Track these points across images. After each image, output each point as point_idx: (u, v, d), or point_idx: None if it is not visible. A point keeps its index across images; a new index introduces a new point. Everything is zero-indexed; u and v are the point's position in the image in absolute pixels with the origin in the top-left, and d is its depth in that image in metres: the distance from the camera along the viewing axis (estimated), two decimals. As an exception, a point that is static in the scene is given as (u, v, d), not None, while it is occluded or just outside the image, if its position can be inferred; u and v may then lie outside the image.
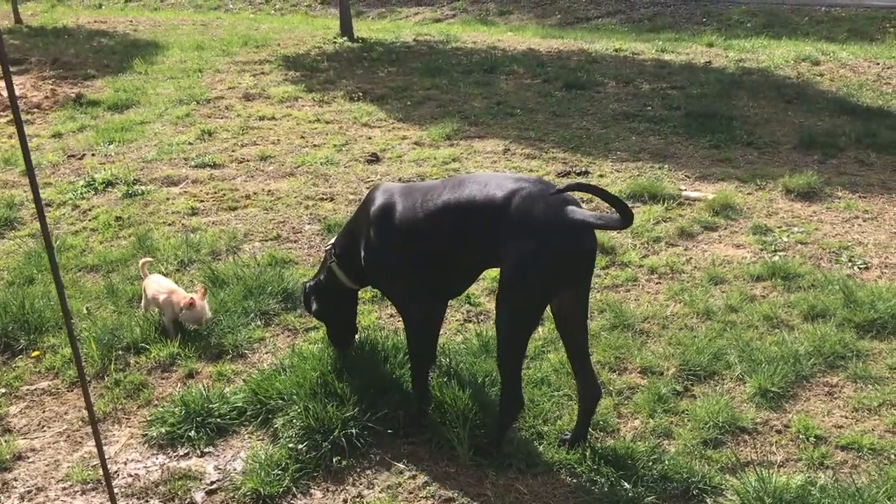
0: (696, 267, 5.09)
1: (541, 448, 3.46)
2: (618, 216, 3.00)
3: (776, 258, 5.12)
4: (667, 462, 3.31)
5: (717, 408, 3.62)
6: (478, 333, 4.22)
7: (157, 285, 4.42)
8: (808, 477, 3.21)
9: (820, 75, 10.00)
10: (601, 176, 6.65)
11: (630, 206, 5.85)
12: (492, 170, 6.78)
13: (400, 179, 6.53)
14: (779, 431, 3.56)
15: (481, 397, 3.67)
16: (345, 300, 3.90)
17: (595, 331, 4.29)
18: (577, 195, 3.27)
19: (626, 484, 3.21)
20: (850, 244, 5.33)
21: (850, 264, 5.06)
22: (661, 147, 7.43)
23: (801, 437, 3.50)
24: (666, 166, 6.84)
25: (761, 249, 5.30)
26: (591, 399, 3.43)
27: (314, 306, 3.90)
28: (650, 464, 3.31)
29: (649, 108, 8.68)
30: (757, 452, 3.41)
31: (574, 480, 3.29)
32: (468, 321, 4.52)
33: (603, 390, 3.80)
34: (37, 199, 2.45)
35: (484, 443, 3.44)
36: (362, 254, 3.58)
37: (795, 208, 5.95)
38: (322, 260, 3.99)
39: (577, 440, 3.44)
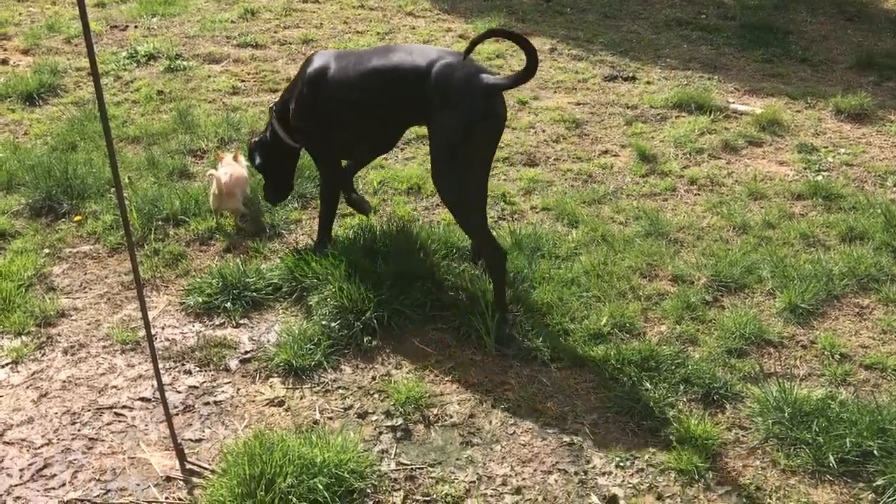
0: (736, 181, 5.02)
1: (566, 345, 3.52)
2: (522, 70, 3.34)
3: (819, 178, 5.04)
4: (690, 367, 3.36)
5: (744, 319, 3.64)
6: (511, 231, 4.24)
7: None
8: (830, 392, 3.25)
9: (886, -6, 9.56)
10: (648, 82, 6.50)
11: (675, 115, 5.81)
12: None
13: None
14: (804, 347, 3.58)
15: (510, 291, 3.72)
16: (285, 156, 4.12)
17: (629, 237, 4.30)
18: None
19: (647, 384, 3.28)
20: (897, 169, 5.22)
21: (894, 189, 4.96)
22: (712, 57, 7.21)
23: (826, 353, 3.52)
24: (715, 77, 6.67)
25: (805, 168, 5.20)
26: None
27: (257, 160, 4.13)
28: (673, 367, 3.36)
29: (703, 16, 8.39)
30: (781, 365, 3.45)
31: (597, 377, 3.36)
32: (502, 219, 4.53)
33: (632, 295, 3.84)
34: (95, 73, 2.46)
35: (502, 334, 3.52)
36: (292, 108, 3.83)
37: (844, 129, 5.81)
38: (268, 119, 4.15)
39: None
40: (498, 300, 3.56)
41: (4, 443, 2.99)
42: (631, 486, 2.87)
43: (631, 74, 6.62)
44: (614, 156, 5.32)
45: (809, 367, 3.46)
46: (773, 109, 5.92)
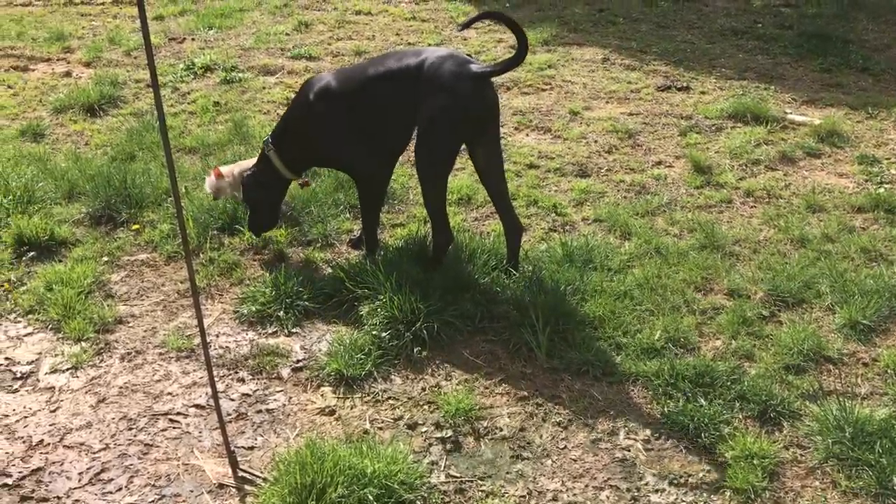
0: (794, 193, 4.91)
1: (619, 359, 3.48)
2: (512, 56, 3.62)
3: (881, 190, 4.90)
4: (746, 383, 3.29)
5: (802, 335, 3.55)
6: (562, 243, 4.21)
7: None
8: (893, 411, 3.14)
9: (951, 0, 9.28)
10: (703, 92, 6.41)
11: (731, 126, 5.72)
12: (589, 80, 6.61)
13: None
14: (865, 364, 3.48)
15: (562, 304, 3.69)
16: (276, 189, 4.18)
17: (683, 250, 4.23)
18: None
19: (702, 400, 3.21)
20: (963, 182, 5.05)
21: (961, 202, 4.80)
22: (769, 67, 7.08)
23: (888, 371, 3.41)
24: (772, 87, 6.54)
25: (866, 180, 5.07)
26: (514, 234, 4.00)
27: (249, 193, 4.15)
28: (729, 383, 3.29)
29: (760, 25, 8.25)
30: (841, 382, 3.35)
31: (650, 392, 3.31)
32: (553, 230, 4.51)
33: (686, 309, 3.78)
34: (155, 85, 2.51)
35: (427, 265, 3.88)
36: (310, 135, 3.96)
37: (908, 140, 5.65)
38: (260, 152, 4.18)
39: (511, 267, 3.96)
40: (432, 263, 3.90)
41: (65, 446, 3.06)
42: (685, 503, 2.82)
43: (685, 84, 6.54)
44: (668, 167, 5.26)
45: (871, 386, 3.35)
46: (832, 120, 5.78)
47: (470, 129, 3.76)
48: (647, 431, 3.13)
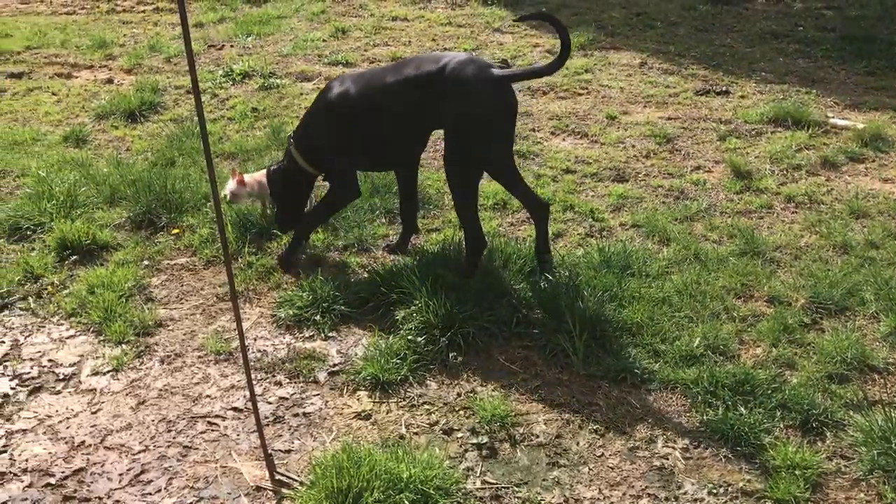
0: (836, 198, 4.82)
1: (657, 366, 3.44)
2: (543, 63, 3.72)
3: (928, 196, 4.80)
4: (787, 392, 3.23)
5: (846, 343, 3.48)
6: (599, 248, 4.17)
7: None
8: (941, 422, 3.06)
9: None
10: (742, 96, 6.33)
11: (771, 130, 5.63)
12: (626, 84, 6.56)
13: (529, 88, 6.42)
14: (912, 374, 3.40)
15: (599, 310, 3.66)
16: (302, 185, 4.21)
17: (723, 256, 4.17)
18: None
19: (742, 409, 3.16)
20: None
21: None
22: (810, 70, 6.97)
23: (936, 381, 3.33)
24: (814, 91, 6.43)
25: (912, 185, 4.96)
26: (540, 212, 4.00)
27: (274, 187, 4.22)
28: (769, 392, 3.24)
29: (801, 28, 8.12)
30: (886, 392, 3.28)
31: (688, 400, 3.27)
32: (590, 236, 4.47)
33: (726, 316, 3.73)
34: (196, 92, 2.54)
35: (461, 269, 3.89)
36: (322, 133, 3.99)
37: (955, 144, 5.51)
38: (286, 148, 4.24)
39: (543, 254, 3.99)
40: (468, 269, 3.90)
41: (105, 447, 3.10)
42: (725, 514, 2.77)
43: (724, 88, 6.46)
44: (707, 171, 5.20)
45: (918, 396, 3.27)
46: (876, 124, 5.67)
47: (493, 133, 3.76)
48: (686, 440, 3.09)
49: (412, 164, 4.20)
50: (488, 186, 4.96)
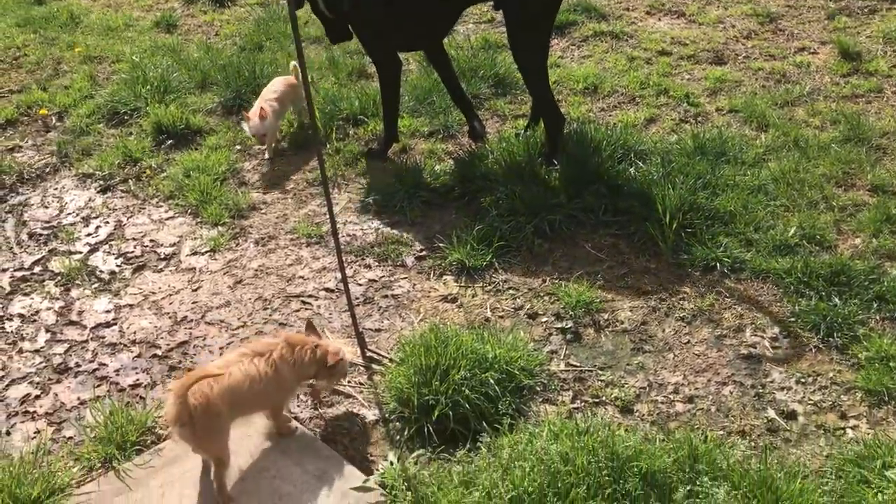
0: (955, 81, 4.51)
1: (749, 255, 3.36)
2: None
3: None
4: (886, 283, 3.12)
5: (954, 235, 3.32)
6: (694, 134, 4.04)
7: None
8: None
9: None
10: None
11: (887, 7, 5.24)
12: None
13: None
14: None
15: (691, 198, 3.57)
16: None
17: (824, 142, 3.98)
18: None
19: (836, 300, 3.08)
20: None
21: None
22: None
23: None
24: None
25: None
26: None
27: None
28: (867, 283, 3.14)
29: None
30: None
31: (780, 290, 3.20)
32: (684, 121, 4.32)
33: (824, 205, 3.59)
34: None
35: (545, 152, 3.86)
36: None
37: None
38: None
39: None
40: (550, 150, 3.87)
41: (206, 323, 3.27)
42: (812, 402, 2.75)
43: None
44: (812, 53, 4.90)
45: None
46: None
47: (553, 10, 3.76)
48: (776, 329, 3.04)
49: (440, 42, 4.16)
50: (578, 70, 4.82)
